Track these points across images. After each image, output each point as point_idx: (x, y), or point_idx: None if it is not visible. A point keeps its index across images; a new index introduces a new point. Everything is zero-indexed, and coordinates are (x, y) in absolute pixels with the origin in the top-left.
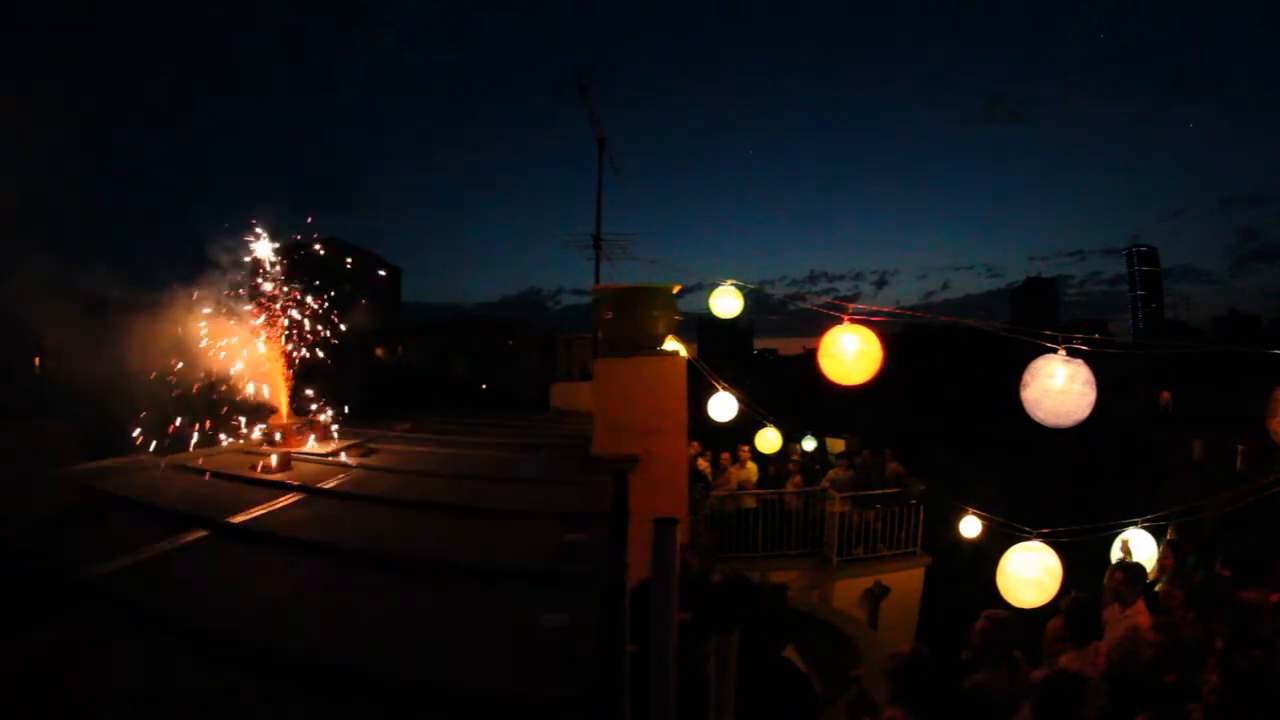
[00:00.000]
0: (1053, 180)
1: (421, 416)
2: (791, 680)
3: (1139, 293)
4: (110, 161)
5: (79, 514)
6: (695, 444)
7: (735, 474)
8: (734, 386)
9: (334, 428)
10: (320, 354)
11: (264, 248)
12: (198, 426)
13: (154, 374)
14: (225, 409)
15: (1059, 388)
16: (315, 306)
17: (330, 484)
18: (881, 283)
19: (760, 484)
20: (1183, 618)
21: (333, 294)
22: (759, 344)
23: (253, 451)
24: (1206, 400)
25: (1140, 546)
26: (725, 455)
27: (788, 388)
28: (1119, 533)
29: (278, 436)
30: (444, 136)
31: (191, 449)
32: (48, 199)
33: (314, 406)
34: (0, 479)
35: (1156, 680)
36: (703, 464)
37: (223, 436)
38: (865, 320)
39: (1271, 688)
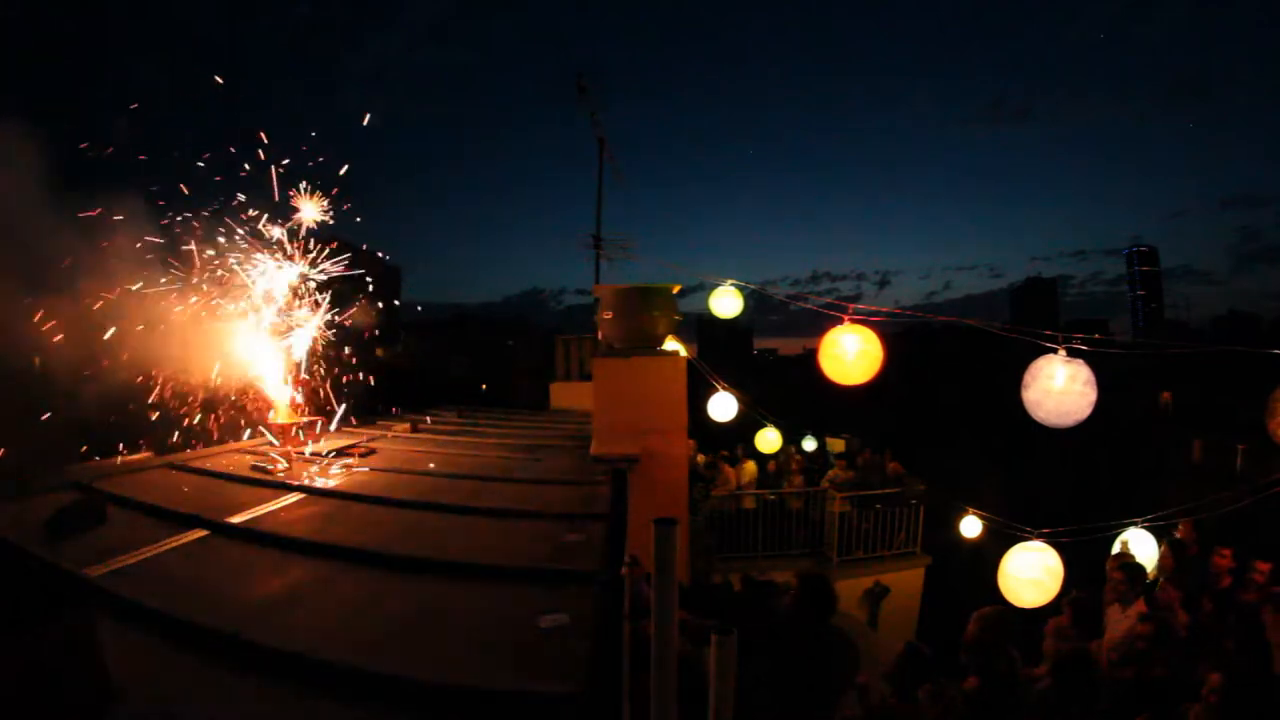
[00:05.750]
0: (1054, 180)
1: (421, 416)
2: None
3: (1139, 293)
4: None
5: (79, 514)
6: (691, 442)
7: (731, 474)
8: (734, 386)
9: (334, 428)
10: (327, 352)
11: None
12: (199, 425)
13: (156, 371)
14: (226, 408)
15: (1060, 388)
16: (323, 304)
17: (330, 484)
18: (884, 282)
19: (760, 483)
20: (1176, 613)
21: (338, 293)
22: (759, 344)
23: (252, 451)
24: (1206, 400)
25: (1140, 546)
26: (723, 453)
27: (788, 388)
28: (1119, 533)
29: (278, 437)
30: (446, 135)
31: (191, 449)
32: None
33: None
34: (0, 478)
35: (1146, 673)
36: (702, 460)
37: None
38: (865, 320)
39: (1272, 688)
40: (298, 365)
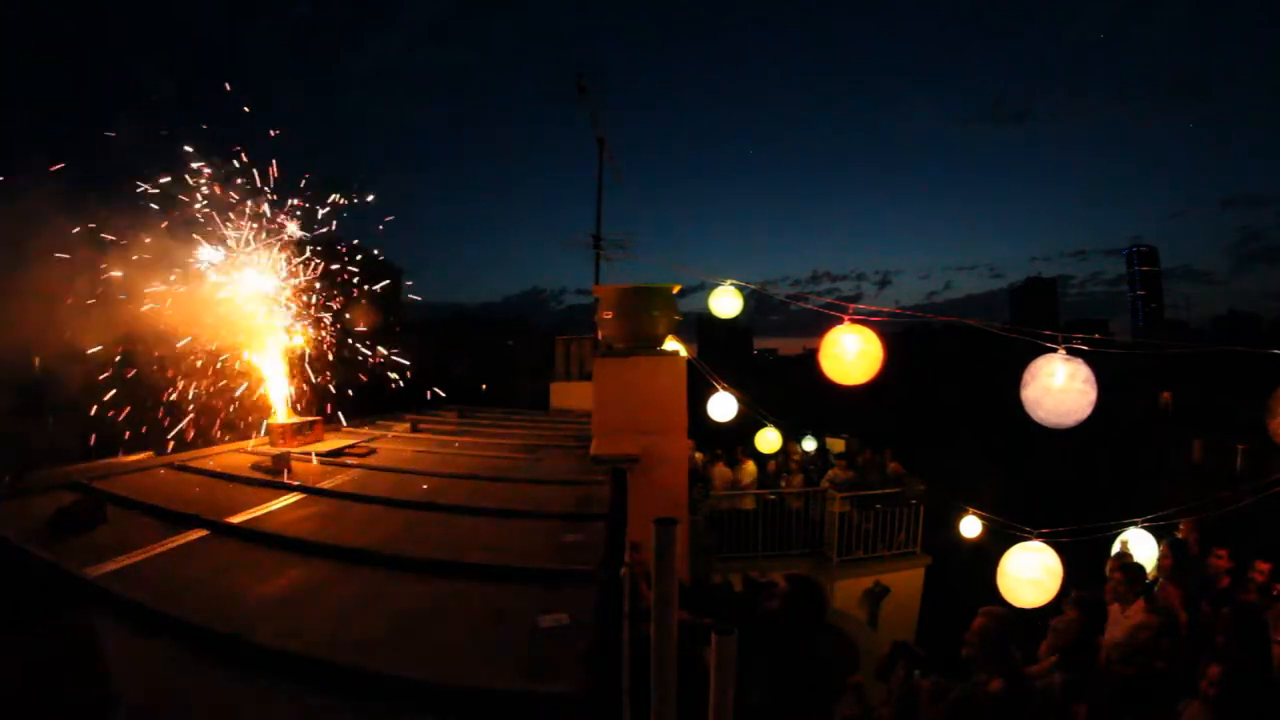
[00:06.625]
0: (1054, 180)
1: (421, 416)
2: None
3: (1139, 293)
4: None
5: (79, 514)
6: (690, 442)
7: (723, 475)
8: (734, 386)
9: (334, 427)
10: (328, 352)
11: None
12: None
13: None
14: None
15: (1059, 387)
16: (328, 304)
17: (330, 484)
18: (884, 282)
19: (760, 483)
20: (1177, 612)
21: (344, 293)
22: (759, 344)
23: (252, 451)
24: (1206, 400)
25: (1140, 546)
26: (718, 451)
27: (788, 388)
28: (1119, 533)
29: (278, 436)
30: (448, 134)
31: (191, 449)
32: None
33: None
34: (0, 478)
35: (1147, 667)
36: (700, 459)
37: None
38: (865, 320)
39: (1272, 683)
40: (298, 364)
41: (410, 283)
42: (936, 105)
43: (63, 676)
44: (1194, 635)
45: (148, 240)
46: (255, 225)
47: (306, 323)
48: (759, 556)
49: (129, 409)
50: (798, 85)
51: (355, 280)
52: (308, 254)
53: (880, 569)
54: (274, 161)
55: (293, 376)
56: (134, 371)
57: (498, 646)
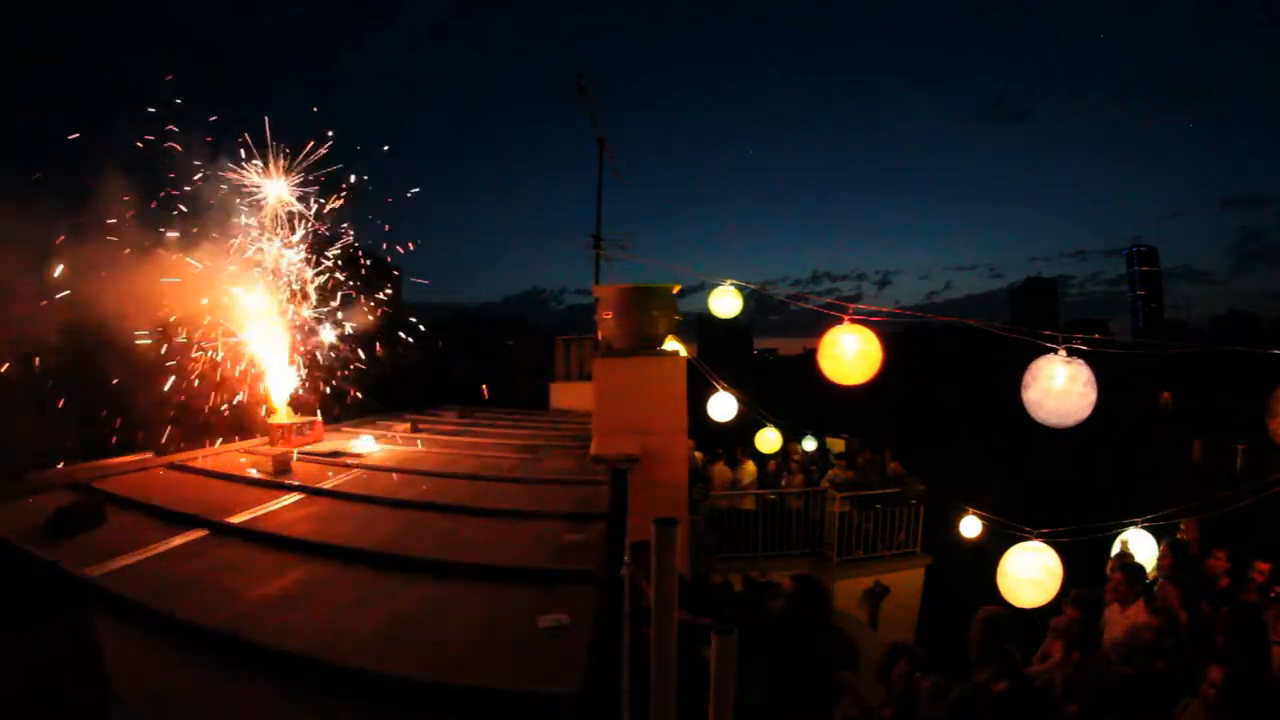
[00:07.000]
0: (1054, 180)
1: (421, 416)
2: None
3: (1139, 293)
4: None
5: (79, 514)
6: (690, 442)
7: (721, 473)
8: (734, 386)
9: (335, 426)
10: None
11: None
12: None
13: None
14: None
15: (1060, 388)
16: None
17: (330, 484)
18: (884, 283)
19: (760, 483)
20: (1177, 612)
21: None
22: (759, 344)
23: (252, 451)
24: (1206, 400)
25: (1140, 546)
26: (719, 451)
27: (788, 388)
28: (1119, 533)
29: (277, 436)
30: (448, 135)
31: (191, 448)
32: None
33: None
34: (0, 478)
35: (1147, 665)
36: (700, 457)
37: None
38: (865, 320)
39: (1272, 683)
40: (302, 362)
41: (427, 281)
42: (936, 105)
43: (63, 676)
44: (1194, 635)
45: (146, 235)
46: (264, 217)
47: (310, 319)
48: (759, 556)
49: (127, 409)
50: (798, 85)
51: (359, 280)
52: (319, 256)
53: (880, 569)
54: (276, 160)
55: (293, 373)
56: (131, 370)
57: (498, 646)
